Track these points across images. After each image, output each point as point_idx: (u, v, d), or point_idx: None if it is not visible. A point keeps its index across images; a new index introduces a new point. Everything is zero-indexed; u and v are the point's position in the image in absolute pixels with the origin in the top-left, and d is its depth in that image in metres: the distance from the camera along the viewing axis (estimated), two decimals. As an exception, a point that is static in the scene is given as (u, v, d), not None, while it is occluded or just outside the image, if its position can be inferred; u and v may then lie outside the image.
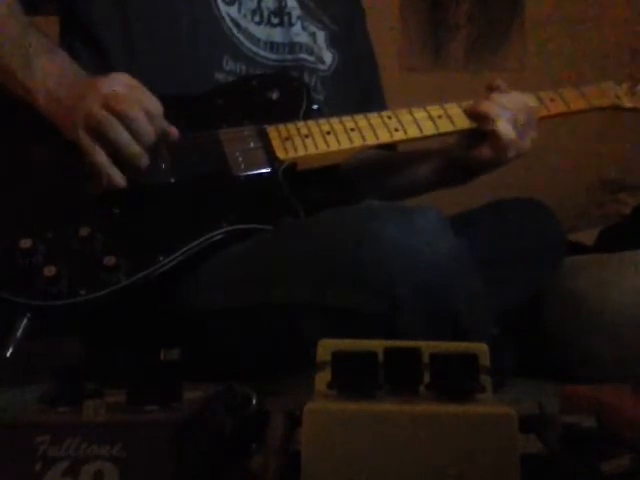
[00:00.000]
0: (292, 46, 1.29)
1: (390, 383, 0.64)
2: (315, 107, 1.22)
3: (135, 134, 1.02)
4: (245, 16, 1.24)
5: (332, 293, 0.94)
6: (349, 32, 1.38)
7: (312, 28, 1.32)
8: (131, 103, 1.02)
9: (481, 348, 0.67)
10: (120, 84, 1.03)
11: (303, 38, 1.30)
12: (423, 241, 0.92)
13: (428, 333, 0.86)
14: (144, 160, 1.03)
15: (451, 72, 2.68)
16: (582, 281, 1.34)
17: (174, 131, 1.06)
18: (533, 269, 1.23)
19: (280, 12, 1.28)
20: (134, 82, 1.05)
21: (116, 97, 1.01)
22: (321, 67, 1.32)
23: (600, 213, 2.42)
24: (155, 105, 1.04)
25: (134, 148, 1.02)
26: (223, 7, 1.22)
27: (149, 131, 1.03)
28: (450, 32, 2.77)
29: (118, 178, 1.02)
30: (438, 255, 0.92)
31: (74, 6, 1.20)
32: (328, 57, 1.34)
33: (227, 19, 1.22)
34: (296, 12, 1.30)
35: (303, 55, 1.29)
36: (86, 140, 1.01)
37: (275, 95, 1.20)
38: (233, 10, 1.23)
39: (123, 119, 1.01)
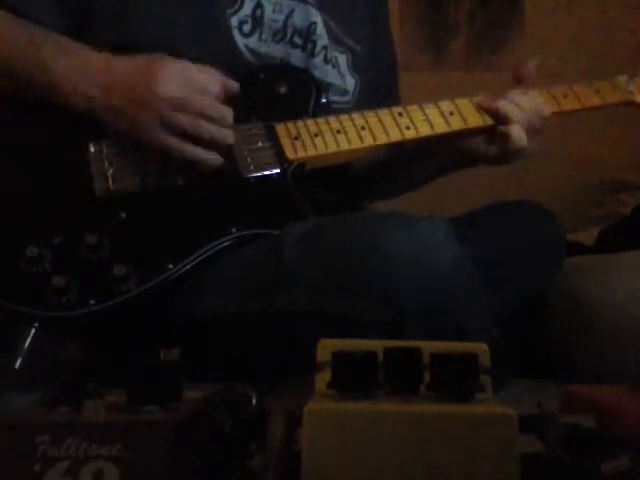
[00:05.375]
0: None
1: (390, 383, 0.64)
2: (323, 100, 1.19)
3: (218, 126, 1.06)
4: (265, 41, 1.20)
5: (334, 301, 0.94)
6: (371, 52, 1.35)
7: (335, 54, 1.28)
8: (198, 99, 1.05)
9: (481, 348, 0.67)
10: (177, 79, 1.05)
11: (321, 73, 1.25)
12: (427, 251, 0.92)
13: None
14: (230, 139, 1.08)
15: (451, 72, 2.68)
16: (582, 281, 1.33)
17: (235, 86, 1.12)
18: (533, 271, 1.23)
19: (306, 35, 1.24)
20: (184, 67, 1.07)
21: (187, 100, 1.04)
22: (343, 99, 1.28)
23: (600, 213, 2.42)
24: (216, 83, 1.08)
25: (223, 132, 1.07)
26: (240, 40, 1.19)
27: (225, 112, 1.08)
28: (450, 32, 2.76)
29: (216, 160, 1.07)
30: (441, 265, 0.92)
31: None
32: (351, 83, 1.30)
33: (245, 51, 1.19)
34: (322, 42, 1.25)
35: None
36: (171, 140, 1.04)
37: (283, 89, 1.17)
38: (253, 40, 1.19)
39: (204, 118, 1.05)
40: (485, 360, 0.67)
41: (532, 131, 1.19)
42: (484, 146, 1.21)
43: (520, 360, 1.21)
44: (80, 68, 1.05)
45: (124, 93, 1.04)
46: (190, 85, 1.06)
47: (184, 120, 1.04)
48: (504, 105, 1.18)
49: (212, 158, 1.07)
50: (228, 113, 1.08)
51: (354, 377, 0.63)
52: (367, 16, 1.36)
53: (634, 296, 1.28)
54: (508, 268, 1.16)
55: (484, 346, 0.68)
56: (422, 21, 2.77)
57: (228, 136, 1.07)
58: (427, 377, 0.64)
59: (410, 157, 1.33)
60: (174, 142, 1.04)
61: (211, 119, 1.06)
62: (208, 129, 1.06)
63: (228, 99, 1.10)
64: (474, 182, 2.19)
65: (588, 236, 1.90)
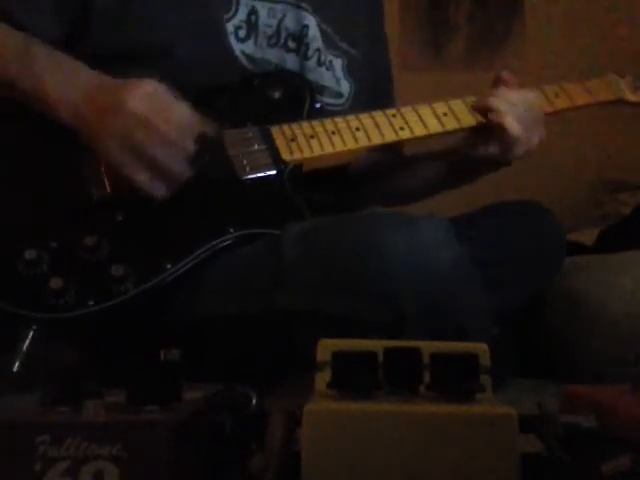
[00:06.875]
0: None
1: (390, 383, 0.64)
2: (318, 106, 1.20)
3: (175, 155, 1.02)
4: (261, 46, 1.20)
5: (334, 301, 0.94)
6: (367, 55, 1.34)
7: (330, 57, 1.28)
8: (167, 126, 1.02)
9: (481, 348, 0.67)
10: (149, 99, 1.02)
11: (315, 75, 1.25)
12: (426, 251, 0.92)
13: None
14: (187, 173, 1.04)
15: (451, 72, 2.68)
16: (582, 281, 1.33)
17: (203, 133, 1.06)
18: (533, 271, 1.23)
19: (299, 38, 1.23)
20: (160, 91, 1.04)
21: (151, 120, 1.01)
22: (338, 102, 1.29)
23: (600, 213, 2.42)
24: (185, 116, 1.04)
25: (177, 167, 1.03)
26: (237, 45, 1.18)
27: (188, 151, 1.03)
28: (450, 32, 2.76)
29: (161, 191, 1.03)
30: (441, 265, 0.92)
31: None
32: (345, 87, 1.30)
33: (241, 57, 1.19)
34: (315, 44, 1.25)
35: None
36: (125, 159, 1.01)
37: (278, 94, 1.18)
38: (248, 45, 1.19)
39: (162, 142, 1.01)
40: (485, 360, 0.67)
41: (527, 123, 1.19)
42: (483, 148, 1.21)
43: (520, 360, 1.21)
44: (70, 81, 1.05)
45: (96, 106, 1.02)
46: (160, 106, 1.03)
47: (145, 137, 1.01)
48: (493, 101, 1.19)
49: (157, 191, 1.03)
50: (188, 151, 1.04)
51: (354, 377, 0.63)
52: (364, 19, 1.36)
53: (634, 296, 1.28)
54: (508, 268, 1.17)
55: (484, 346, 0.68)
56: (422, 21, 2.77)
57: (181, 174, 1.04)
58: (427, 377, 0.64)
59: (410, 163, 1.33)
60: (129, 163, 1.01)
61: (169, 149, 1.03)
62: (165, 160, 1.02)
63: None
64: (474, 182, 2.19)
65: (588, 236, 1.90)
